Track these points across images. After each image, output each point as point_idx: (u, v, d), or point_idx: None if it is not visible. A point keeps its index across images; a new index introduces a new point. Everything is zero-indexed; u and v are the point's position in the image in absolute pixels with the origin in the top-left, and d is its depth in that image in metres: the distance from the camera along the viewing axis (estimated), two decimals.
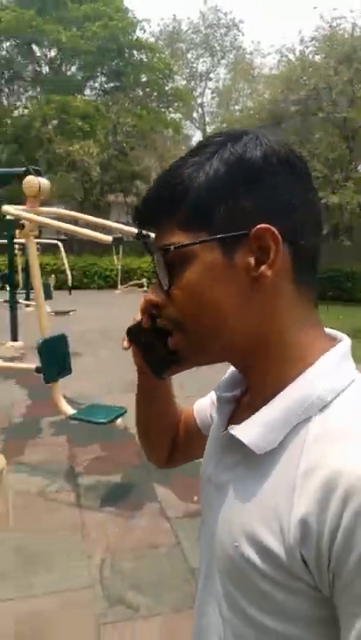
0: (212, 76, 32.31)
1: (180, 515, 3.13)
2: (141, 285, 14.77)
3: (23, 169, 4.29)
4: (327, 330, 0.62)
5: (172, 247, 0.56)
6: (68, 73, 24.75)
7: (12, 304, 6.96)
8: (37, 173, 4.15)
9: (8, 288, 7.17)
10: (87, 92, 25.08)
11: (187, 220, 0.56)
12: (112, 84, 24.69)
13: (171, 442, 0.88)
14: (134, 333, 0.70)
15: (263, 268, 0.54)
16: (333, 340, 0.60)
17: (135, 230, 3.41)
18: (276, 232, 0.53)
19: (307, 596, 0.50)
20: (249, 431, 0.56)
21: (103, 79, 24.97)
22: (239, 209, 0.54)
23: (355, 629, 0.45)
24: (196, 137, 30.01)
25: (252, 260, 0.54)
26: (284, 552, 0.50)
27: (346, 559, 0.46)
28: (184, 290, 0.57)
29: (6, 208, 4.03)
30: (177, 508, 3.20)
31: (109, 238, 3.71)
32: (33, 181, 3.97)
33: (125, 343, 0.72)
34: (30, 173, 4.10)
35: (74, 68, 24.86)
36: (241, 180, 0.54)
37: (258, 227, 0.53)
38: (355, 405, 0.53)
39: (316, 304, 0.60)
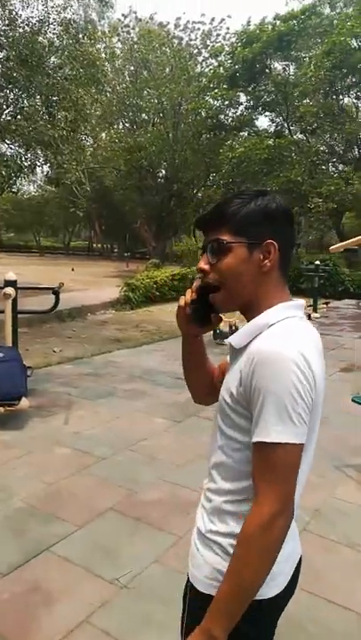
0: None
1: None
2: None
3: None
4: (294, 297, 1.13)
5: (224, 241, 1.08)
6: None
7: None
8: None
9: None
10: None
11: (233, 229, 1.08)
12: None
13: (208, 385, 1.32)
14: (191, 304, 1.18)
15: (266, 262, 1.07)
16: (291, 301, 1.10)
17: None
18: (276, 245, 1.07)
19: (244, 416, 1.03)
20: (233, 339, 1.09)
21: None
22: (260, 230, 1.07)
23: (255, 427, 0.98)
24: None
25: (261, 257, 1.07)
26: (235, 391, 1.04)
27: (251, 386, 0.99)
28: (225, 265, 1.08)
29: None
30: None
31: None
32: None
33: (182, 303, 1.20)
34: None
35: None
36: (263, 217, 1.08)
37: (267, 241, 1.06)
38: (279, 326, 1.03)
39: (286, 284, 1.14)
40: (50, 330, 9.03)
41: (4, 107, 9.99)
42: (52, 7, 11.09)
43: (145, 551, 2.66)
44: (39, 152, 10.04)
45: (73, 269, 19.94)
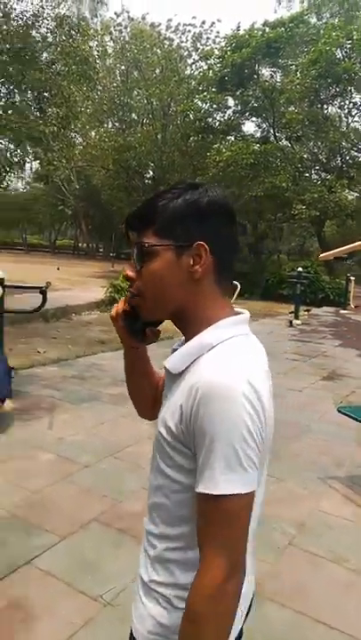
0: None
1: None
2: None
3: None
4: (236, 308, 0.99)
5: (147, 244, 0.93)
6: None
7: None
8: None
9: None
10: None
11: (158, 230, 0.93)
12: None
13: (152, 399, 1.19)
14: (123, 316, 1.07)
15: (197, 267, 0.91)
16: (236, 314, 0.97)
17: None
18: (207, 247, 0.91)
19: (187, 455, 0.89)
20: (170, 361, 0.95)
21: None
22: (188, 230, 0.91)
23: (201, 471, 0.84)
24: None
25: (190, 261, 0.92)
26: (175, 429, 0.89)
27: (195, 426, 0.85)
28: (148, 271, 0.94)
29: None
30: None
31: None
32: None
33: (113, 313, 1.09)
34: None
35: None
36: (192, 214, 0.92)
37: (197, 242, 0.91)
38: (224, 349, 0.89)
39: (230, 294, 1.00)
40: (34, 330, 8.90)
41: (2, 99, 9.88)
42: (47, 2, 11.00)
43: (130, 566, 2.59)
44: (29, 148, 9.92)
45: (58, 268, 19.77)
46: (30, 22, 10.73)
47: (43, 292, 4.88)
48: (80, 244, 42.57)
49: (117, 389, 5.75)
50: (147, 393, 1.21)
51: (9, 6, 10.47)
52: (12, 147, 9.51)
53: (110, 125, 24.46)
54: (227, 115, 22.17)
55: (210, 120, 21.88)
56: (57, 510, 3.09)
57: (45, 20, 10.95)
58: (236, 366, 0.86)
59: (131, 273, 0.98)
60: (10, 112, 10.34)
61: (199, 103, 21.46)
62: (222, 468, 0.82)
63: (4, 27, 10.15)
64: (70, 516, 3.03)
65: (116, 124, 24.65)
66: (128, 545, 2.78)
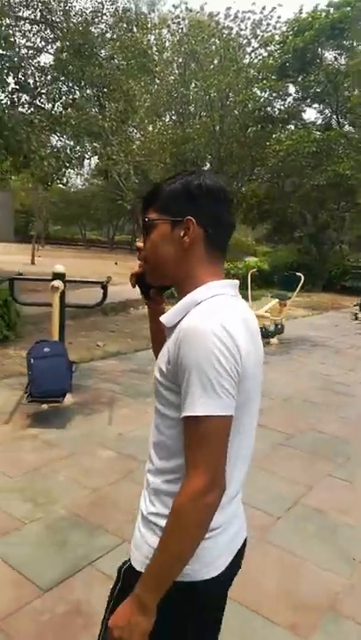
0: None
1: None
2: None
3: None
4: (226, 277, 1.13)
5: (147, 219, 1.14)
6: None
7: None
8: None
9: None
10: None
11: (158, 208, 1.12)
12: None
13: None
14: (137, 278, 1.26)
15: (185, 238, 1.08)
16: (224, 280, 1.11)
17: None
18: (194, 221, 1.08)
19: (175, 392, 1.03)
20: (164, 317, 1.10)
21: None
22: (181, 208, 1.09)
23: (184, 399, 0.99)
24: None
25: (181, 233, 1.09)
26: (165, 370, 1.05)
27: (178, 363, 1.00)
28: (150, 241, 1.14)
29: None
30: None
31: None
32: None
33: (132, 283, 1.28)
34: None
35: None
36: (184, 194, 1.10)
37: (187, 217, 1.08)
38: (206, 303, 1.04)
39: (223, 262, 1.15)
40: (93, 323, 8.97)
41: (57, 97, 9.96)
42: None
43: None
44: (87, 144, 9.94)
45: (116, 263, 19.97)
46: (90, 19, 10.80)
47: (104, 286, 4.80)
48: (137, 240, 42.96)
49: None
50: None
51: (69, 4, 10.57)
52: (71, 143, 9.58)
53: (168, 119, 24.38)
54: (287, 102, 21.47)
55: (269, 109, 21.25)
56: (118, 510, 3.00)
57: (104, 16, 10.98)
58: (211, 313, 1.01)
59: (140, 244, 1.20)
60: (69, 110, 10.46)
61: (258, 92, 20.88)
62: (199, 393, 0.96)
63: (65, 24, 10.25)
64: (132, 516, 2.92)
65: (173, 118, 24.52)
66: None
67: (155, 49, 14.23)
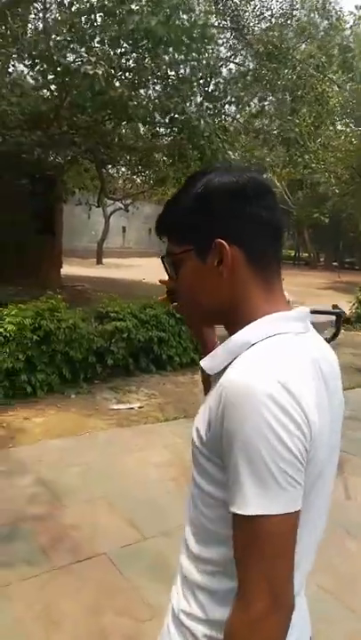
0: None
1: None
2: None
3: None
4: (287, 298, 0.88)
5: (164, 257, 0.91)
6: None
7: None
8: None
9: None
10: None
11: (177, 236, 0.87)
12: None
13: None
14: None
15: (221, 267, 0.81)
16: (284, 308, 0.83)
17: None
18: (225, 243, 0.80)
19: (218, 465, 0.77)
20: (205, 361, 0.86)
21: None
22: (202, 228, 0.82)
23: (229, 492, 0.72)
24: None
25: (215, 261, 0.82)
26: (204, 435, 0.79)
27: (222, 436, 0.73)
28: (182, 283, 0.89)
29: None
30: None
31: None
32: None
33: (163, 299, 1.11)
34: None
35: None
36: (200, 209, 0.82)
37: (216, 241, 0.80)
38: (259, 348, 0.76)
39: (279, 278, 0.87)
40: None
41: (251, 103, 9.56)
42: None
43: None
44: (280, 152, 9.31)
45: (283, 279, 19.07)
46: (283, 20, 10.21)
47: (338, 315, 3.81)
48: (300, 254, 41.48)
49: None
50: None
51: (261, 8, 10.14)
52: (265, 151, 9.00)
53: (355, 124, 22.70)
54: None
55: None
56: None
57: (299, 13, 10.33)
58: (267, 365, 0.72)
59: (169, 283, 0.98)
60: (259, 118, 9.92)
61: None
62: (252, 485, 0.69)
63: (257, 28, 9.79)
64: None
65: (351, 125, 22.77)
66: None
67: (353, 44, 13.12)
